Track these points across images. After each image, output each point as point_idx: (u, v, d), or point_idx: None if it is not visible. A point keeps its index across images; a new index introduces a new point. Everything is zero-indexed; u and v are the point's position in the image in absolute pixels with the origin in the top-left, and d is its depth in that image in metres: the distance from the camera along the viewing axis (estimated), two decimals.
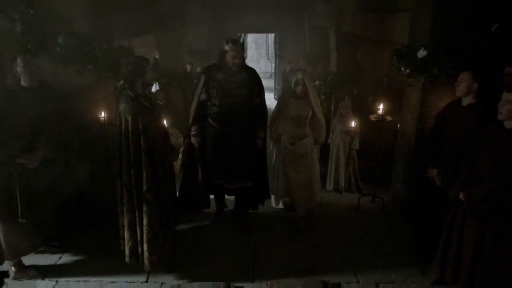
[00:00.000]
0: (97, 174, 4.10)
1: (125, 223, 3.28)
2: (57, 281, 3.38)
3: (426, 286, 3.33)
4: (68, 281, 3.39)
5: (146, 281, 3.39)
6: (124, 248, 3.35)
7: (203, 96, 3.77)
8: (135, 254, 3.31)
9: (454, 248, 3.05)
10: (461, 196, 2.88)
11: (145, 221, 3.19)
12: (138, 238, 3.26)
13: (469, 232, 2.91)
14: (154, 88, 8.12)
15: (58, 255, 3.72)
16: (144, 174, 3.13)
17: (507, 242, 2.63)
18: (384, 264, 3.63)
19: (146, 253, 3.24)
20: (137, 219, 3.23)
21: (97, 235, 3.98)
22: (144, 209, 3.17)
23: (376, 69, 7.48)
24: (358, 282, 3.42)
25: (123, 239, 3.35)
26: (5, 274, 2.22)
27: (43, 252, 3.71)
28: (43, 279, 3.40)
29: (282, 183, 4.27)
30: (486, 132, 2.83)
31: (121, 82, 3.15)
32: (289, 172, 4.16)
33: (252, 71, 3.88)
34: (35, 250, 3.61)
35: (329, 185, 6.08)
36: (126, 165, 3.16)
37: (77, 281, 3.39)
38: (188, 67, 8.88)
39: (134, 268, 3.40)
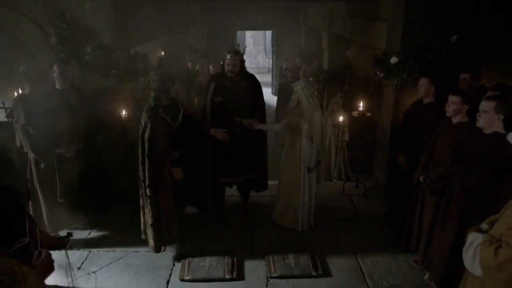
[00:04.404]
0: (118, 161, 4.75)
1: (140, 205, 3.90)
2: (90, 251, 4.07)
3: (396, 254, 4.01)
4: (99, 251, 4.08)
5: (164, 251, 4.06)
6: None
7: (219, 99, 4.16)
8: (145, 232, 3.94)
9: (416, 222, 3.73)
10: (421, 178, 3.55)
11: (147, 210, 3.79)
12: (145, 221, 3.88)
13: (427, 208, 3.57)
14: None
15: (88, 231, 4.42)
16: (146, 173, 3.69)
17: (452, 214, 3.29)
18: (362, 237, 4.32)
19: (148, 235, 3.87)
20: (144, 205, 3.83)
21: (119, 214, 4.66)
22: (147, 200, 3.76)
23: (366, 67, 8.03)
24: (340, 252, 4.09)
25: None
26: (70, 234, 2.60)
27: (75, 228, 4.38)
28: (78, 250, 4.08)
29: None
30: (440, 126, 3.50)
31: (152, 93, 3.69)
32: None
33: (253, 78, 4.35)
34: (69, 226, 4.29)
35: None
36: (138, 161, 3.78)
37: (106, 251, 4.08)
38: (189, 65, 9.41)
39: None
